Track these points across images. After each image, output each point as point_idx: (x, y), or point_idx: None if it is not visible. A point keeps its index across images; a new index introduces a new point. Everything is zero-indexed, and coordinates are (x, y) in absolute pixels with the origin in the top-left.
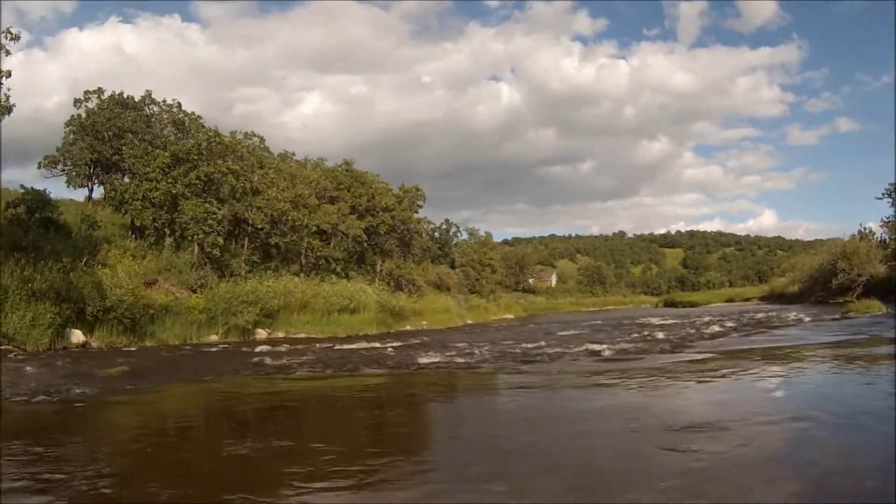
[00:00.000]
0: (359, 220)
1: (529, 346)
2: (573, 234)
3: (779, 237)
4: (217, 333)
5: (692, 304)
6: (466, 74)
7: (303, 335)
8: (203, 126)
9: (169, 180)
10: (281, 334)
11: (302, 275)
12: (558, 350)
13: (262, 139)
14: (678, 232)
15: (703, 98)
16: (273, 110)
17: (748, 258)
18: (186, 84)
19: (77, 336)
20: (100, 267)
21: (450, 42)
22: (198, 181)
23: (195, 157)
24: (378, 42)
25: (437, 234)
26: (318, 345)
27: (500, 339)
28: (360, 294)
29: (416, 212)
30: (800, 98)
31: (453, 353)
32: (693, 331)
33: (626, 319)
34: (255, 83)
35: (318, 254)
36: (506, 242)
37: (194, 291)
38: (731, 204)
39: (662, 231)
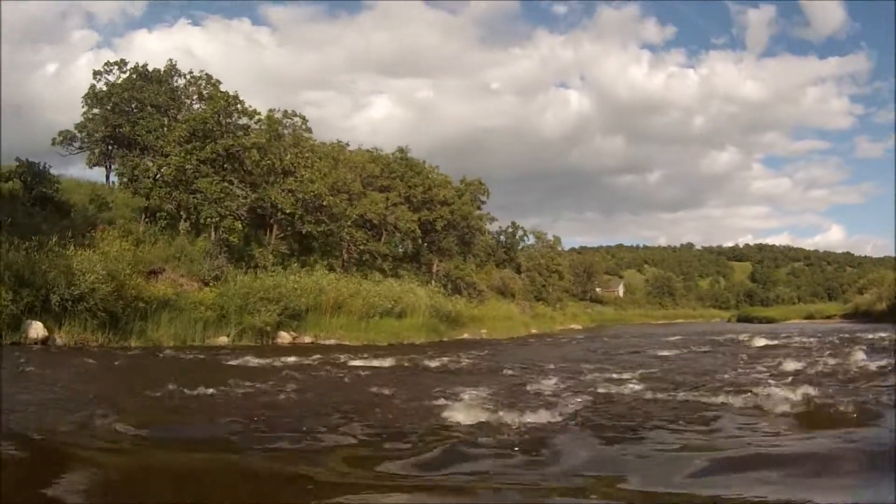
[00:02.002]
0: (413, 213)
1: (633, 387)
2: (640, 245)
3: (848, 253)
4: (228, 335)
5: (769, 320)
6: (535, 81)
7: (333, 341)
8: (221, 92)
9: (183, 154)
10: (308, 339)
11: (340, 271)
12: (680, 400)
13: (303, 119)
14: (746, 245)
15: (771, 108)
16: (341, 114)
17: (817, 274)
18: (255, 87)
19: (37, 330)
20: (78, 249)
21: (518, 48)
22: (214, 155)
23: (213, 129)
24: (446, 46)
25: (502, 238)
26: (333, 357)
27: (577, 358)
28: (407, 295)
29: (479, 208)
30: (869, 109)
31: (519, 396)
32: (838, 360)
33: (712, 336)
34: (323, 87)
35: (362, 248)
36: (573, 251)
37: (207, 284)
38: (799, 217)
39: (730, 244)
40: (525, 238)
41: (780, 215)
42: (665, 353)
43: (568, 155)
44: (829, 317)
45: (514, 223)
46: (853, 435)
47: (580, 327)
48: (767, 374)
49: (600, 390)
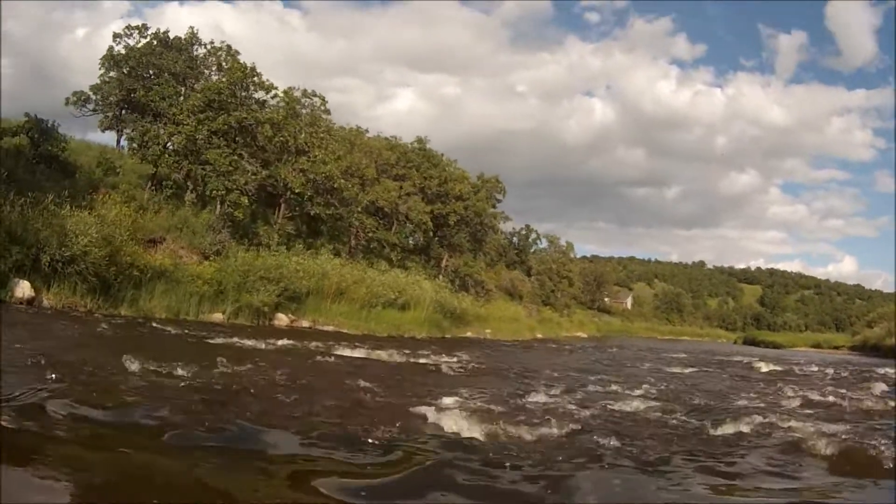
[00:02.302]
0: (426, 205)
1: (643, 405)
2: (652, 259)
3: (859, 285)
4: (224, 312)
5: (776, 346)
6: (561, 87)
7: (331, 328)
8: (239, 62)
9: (195, 123)
10: (306, 323)
11: (347, 257)
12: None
13: (323, 100)
14: (758, 268)
15: (795, 134)
16: (366, 104)
17: (826, 303)
18: (283, 69)
19: (24, 289)
20: (75, 210)
21: (547, 53)
22: (226, 127)
23: (228, 101)
24: (476, 46)
25: (515, 240)
26: (327, 345)
27: (583, 368)
28: (412, 288)
29: (494, 206)
30: (891, 144)
31: (517, 407)
32: (859, 395)
33: (720, 356)
34: (350, 74)
35: (371, 235)
36: (585, 259)
37: (207, 258)
38: (813, 246)
39: (742, 265)
40: (538, 242)
41: (794, 242)
42: (674, 370)
43: (587, 163)
44: (836, 347)
45: (527, 226)
46: None
47: (586, 335)
48: (787, 403)
49: (608, 406)
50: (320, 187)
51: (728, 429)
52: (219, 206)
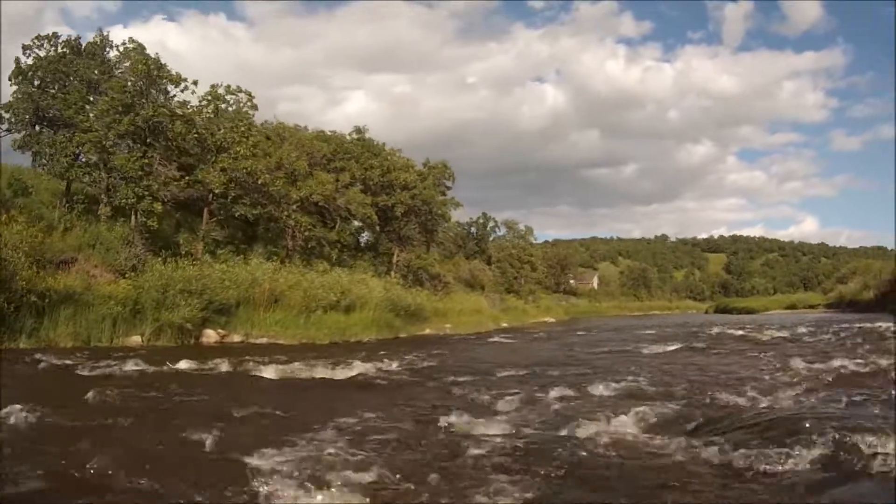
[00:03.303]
0: (372, 197)
1: (625, 419)
2: (615, 237)
3: (823, 244)
4: (143, 334)
5: (748, 311)
6: (511, 75)
7: (265, 340)
8: (144, 56)
9: (103, 129)
10: (238, 337)
11: (284, 260)
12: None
13: (249, 95)
14: (721, 237)
15: (747, 102)
16: (318, 109)
17: (792, 265)
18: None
19: None
20: None
21: (495, 42)
22: (133, 128)
23: (135, 100)
24: (423, 42)
25: (473, 230)
26: (247, 361)
27: (546, 360)
28: (358, 287)
29: (444, 193)
30: (844, 103)
31: (432, 446)
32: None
33: (695, 328)
34: (300, 82)
35: (308, 234)
36: (546, 243)
37: (124, 275)
38: (773, 210)
39: (704, 236)
40: (496, 229)
41: (754, 207)
42: (654, 349)
43: (543, 149)
44: (811, 306)
45: (484, 214)
46: None
47: (553, 320)
48: (813, 386)
49: (576, 431)
50: (245, 186)
51: (767, 454)
52: (134, 218)
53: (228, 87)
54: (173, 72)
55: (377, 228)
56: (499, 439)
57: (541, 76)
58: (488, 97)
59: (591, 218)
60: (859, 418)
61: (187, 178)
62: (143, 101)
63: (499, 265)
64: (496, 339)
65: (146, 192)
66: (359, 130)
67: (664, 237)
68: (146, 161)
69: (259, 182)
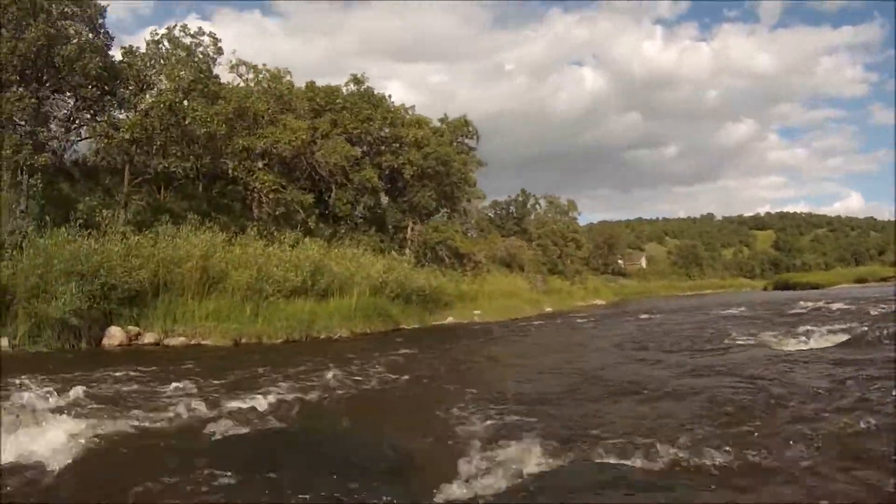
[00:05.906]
0: (378, 156)
1: None
2: (660, 218)
3: (870, 218)
4: (15, 336)
5: (814, 286)
6: (549, 60)
7: (181, 340)
8: None
9: None
10: (150, 338)
11: (250, 233)
12: None
13: (214, 39)
14: (767, 213)
15: (785, 79)
16: None
17: (841, 239)
18: None
19: None
20: None
21: (530, 29)
22: (19, 57)
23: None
24: (459, 30)
25: (512, 209)
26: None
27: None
28: (340, 265)
29: (467, 153)
30: (882, 77)
31: None
32: None
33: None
34: (335, 73)
35: (276, 196)
36: (591, 225)
37: (1, 257)
38: (816, 186)
39: (750, 213)
40: (537, 206)
41: (795, 185)
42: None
43: (583, 133)
44: (884, 279)
45: (523, 190)
46: None
47: (604, 302)
48: None
49: None
50: (171, 131)
51: None
52: (23, 177)
53: (183, 25)
54: None
55: (378, 196)
56: None
57: (578, 60)
58: (526, 83)
59: (634, 200)
60: None
61: (96, 121)
62: (31, 20)
63: (540, 243)
64: (534, 327)
65: (27, 141)
66: (357, 80)
67: (710, 216)
68: (34, 101)
69: (186, 123)
